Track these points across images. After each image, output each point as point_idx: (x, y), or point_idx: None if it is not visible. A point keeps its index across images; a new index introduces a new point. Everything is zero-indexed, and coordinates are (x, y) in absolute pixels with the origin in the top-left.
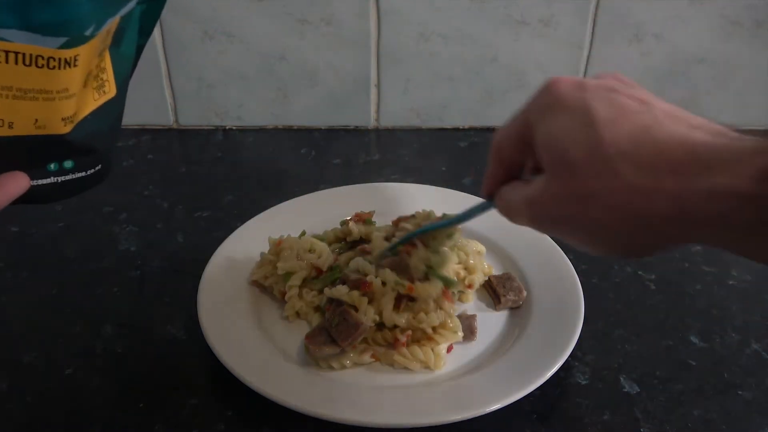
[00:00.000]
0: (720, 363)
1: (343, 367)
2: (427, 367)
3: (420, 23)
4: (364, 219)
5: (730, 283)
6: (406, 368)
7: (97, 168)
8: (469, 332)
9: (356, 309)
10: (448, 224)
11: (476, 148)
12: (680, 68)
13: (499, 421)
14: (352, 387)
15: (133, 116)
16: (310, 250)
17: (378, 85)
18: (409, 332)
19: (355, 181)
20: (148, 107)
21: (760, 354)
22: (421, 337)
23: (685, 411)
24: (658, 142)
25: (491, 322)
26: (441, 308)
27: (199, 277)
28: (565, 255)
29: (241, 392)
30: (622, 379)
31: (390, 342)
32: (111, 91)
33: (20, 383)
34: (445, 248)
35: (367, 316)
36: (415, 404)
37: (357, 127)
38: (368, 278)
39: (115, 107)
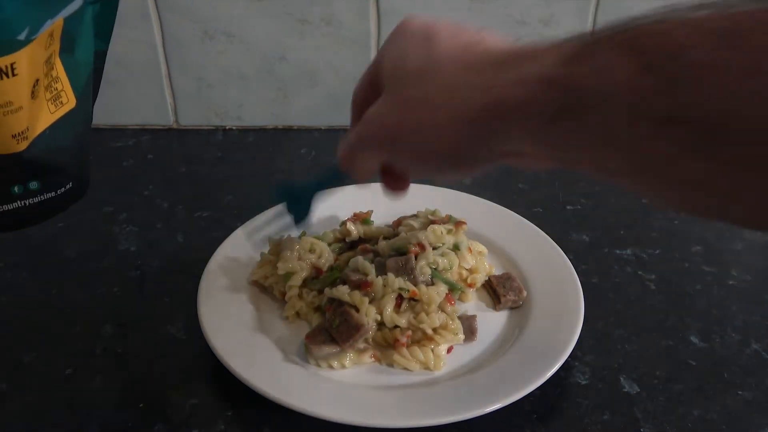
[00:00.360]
0: (720, 363)
1: (343, 366)
2: (426, 368)
3: None
4: (362, 218)
5: (730, 283)
6: (405, 369)
7: (67, 187)
8: (470, 333)
9: (357, 310)
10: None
11: None
12: None
13: (499, 421)
14: (352, 387)
15: (133, 116)
16: (310, 250)
17: None
18: (410, 333)
19: (355, 181)
20: (148, 107)
21: (760, 354)
22: (422, 337)
23: (685, 411)
24: (487, 48)
25: (491, 322)
26: (442, 310)
27: (200, 277)
28: (565, 255)
29: (241, 392)
30: (622, 379)
31: (390, 342)
32: (69, 101)
33: (20, 383)
34: (451, 252)
35: (369, 316)
36: (415, 404)
37: None
38: (369, 278)
39: (77, 119)
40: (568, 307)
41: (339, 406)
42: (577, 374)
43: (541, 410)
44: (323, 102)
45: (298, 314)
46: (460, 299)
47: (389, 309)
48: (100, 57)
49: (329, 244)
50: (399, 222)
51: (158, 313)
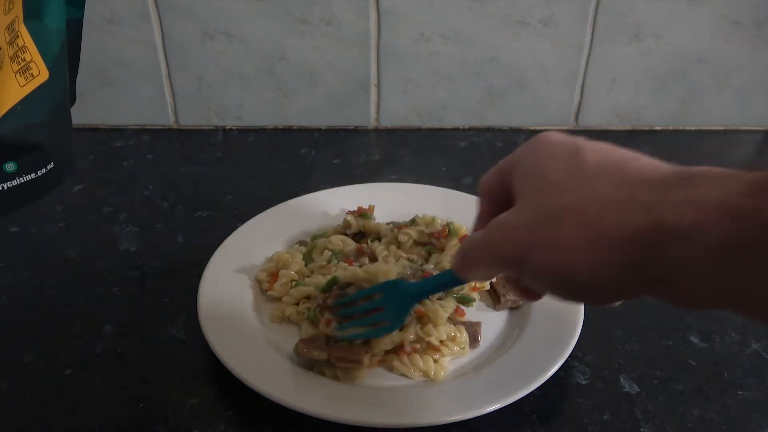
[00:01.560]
0: (720, 363)
1: (335, 378)
2: (426, 376)
3: (420, 23)
4: (361, 213)
5: None
6: (403, 375)
7: (48, 167)
8: (473, 339)
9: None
10: (441, 287)
11: (476, 149)
12: (680, 68)
13: (499, 421)
14: (352, 387)
15: (133, 116)
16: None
17: (378, 85)
18: (417, 345)
19: (355, 181)
20: (148, 107)
21: (760, 354)
22: (426, 347)
23: (685, 411)
24: (643, 166)
25: (491, 322)
26: (451, 320)
27: (199, 277)
28: None
29: (241, 392)
30: (622, 379)
31: (394, 345)
32: (41, 73)
33: (20, 383)
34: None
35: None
36: (415, 404)
37: (357, 127)
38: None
39: (51, 92)
40: (568, 307)
41: (338, 405)
42: (577, 374)
43: (541, 410)
44: (323, 102)
45: (288, 318)
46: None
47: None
48: (74, 26)
49: (328, 237)
50: (397, 231)
51: (158, 313)
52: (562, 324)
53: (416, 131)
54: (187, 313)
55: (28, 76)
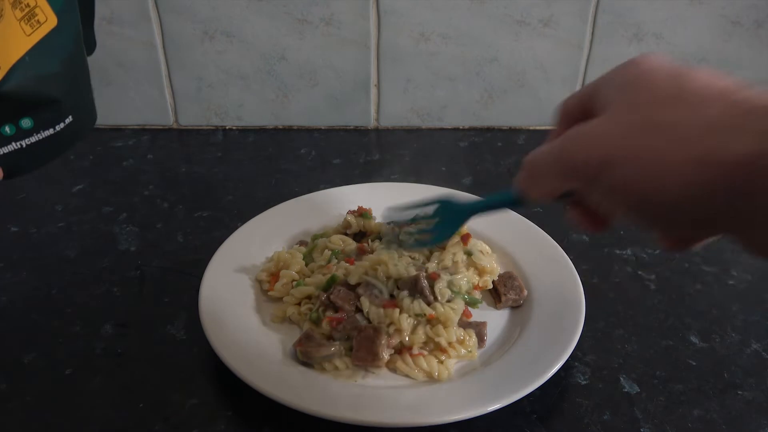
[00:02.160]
0: (720, 363)
1: (336, 368)
2: (430, 377)
3: (420, 23)
4: (361, 213)
5: (730, 283)
6: (406, 376)
7: (67, 121)
8: (480, 340)
9: (375, 332)
10: (464, 215)
11: (476, 148)
12: None
13: (499, 421)
14: (352, 386)
15: (133, 116)
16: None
17: (378, 85)
18: (424, 351)
19: (355, 181)
20: (148, 107)
21: (760, 354)
22: (434, 348)
23: (685, 411)
24: (751, 94)
25: (492, 321)
26: (459, 324)
27: (199, 277)
28: (566, 255)
29: (241, 392)
30: (622, 379)
31: (398, 348)
32: (49, 19)
33: (20, 383)
34: (468, 272)
35: (402, 326)
36: (416, 404)
37: (357, 127)
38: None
39: (62, 40)
40: (569, 307)
41: (339, 404)
42: (577, 374)
43: (541, 410)
44: (323, 102)
45: (290, 319)
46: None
47: (408, 330)
48: None
49: (329, 237)
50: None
51: (158, 313)
52: (563, 324)
53: (416, 131)
54: (187, 313)
55: (34, 23)
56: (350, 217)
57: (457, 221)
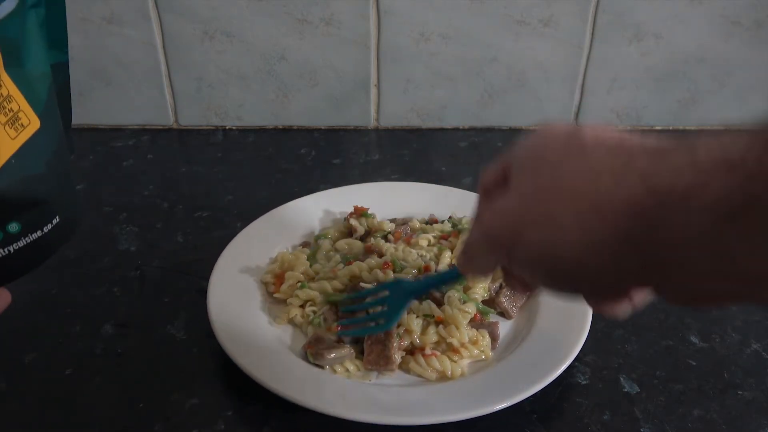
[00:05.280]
0: (720, 363)
1: (347, 371)
2: (443, 376)
3: (420, 23)
4: (361, 212)
5: None
6: (420, 376)
7: (54, 222)
8: (493, 340)
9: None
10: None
11: (476, 148)
12: (680, 68)
13: (499, 421)
14: (355, 385)
15: (133, 116)
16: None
17: (378, 85)
18: (437, 351)
19: (356, 181)
20: (148, 107)
21: (760, 354)
22: (446, 349)
23: (685, 411)
24: (642, 141)
25: (503, 320)
26: (472, 325)
27: (199, 276)
28: None
29: (241, 392)
30: (622, 379)
31: (410, 349)
32: (32, 122)
33: (20, 383)
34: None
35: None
36: (418, 402)
37: (357, 127)
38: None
39: (46, 141)
40: (575, 308)
41: (340, 403)
42: (577, 374)
43: (541, 410)
44: (323, 102)
45: (292, 321)
46: None
47: (418, 331)
48: (61, 69)
49: (334, 242)
50: (408, 239)
51: (158, 313)
52: (568, 326)
53: (416, 131)
54: (187, 312)
55: (18, 126)
56: (353, 221)
57: (403, 303)
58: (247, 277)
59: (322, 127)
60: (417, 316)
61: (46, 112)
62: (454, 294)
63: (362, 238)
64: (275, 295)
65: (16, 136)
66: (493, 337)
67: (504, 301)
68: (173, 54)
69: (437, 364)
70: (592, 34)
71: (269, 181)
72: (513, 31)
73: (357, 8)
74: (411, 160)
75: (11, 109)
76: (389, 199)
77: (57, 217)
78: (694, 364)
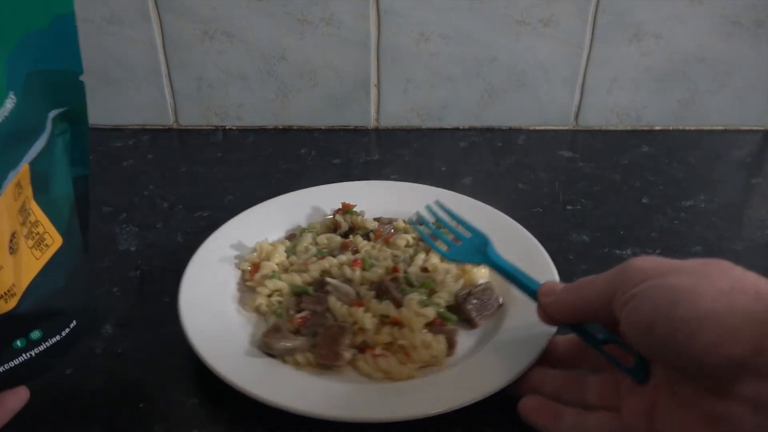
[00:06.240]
0: None
1: (308, 361)
2: (389, 378)
3: (420, 23)
4: (347, 209)
5: None
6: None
7: (71, 326)
8: (450, 347)
9: (340, 330)
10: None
11: (476, 149)
12: (680, 68)
13: (498, 421)
14: (321, 380)
15: (133, 116)
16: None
17: (378, 85)
18: (386, 352)
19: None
20: (148, 107)
21: None
22: (398, 350)
23: None
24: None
25: (467, 331)
26: (431, 330)
27: None
28: (552, 265)
29: (241, 393)
30: None
31: (361, 346)
32: (55, 241)
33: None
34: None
35: (364, 322)
36: (412, 399)
37: (357, 127)
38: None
39: (67, 256)
40: (540, 325)
41: (288, 393)
42: None
43: None
44: (323, 102)
45: (257, 310)
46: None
47: (371, 332)
48: (81, 182)
49: (318, 235)
50: (387, 239)
51: (158, 313)
52: (529, 341)
53: (416, 131)
54: None
55: (43, 247)
56: (339, 217)
57: (475, 258)
58: (227, 265)
59: (322, 127)
60: (372, 315)
61: (68, 229)
62: (414, 296)
63: (346, 235)
64: (247, 283)
65: (41, 257)
66: (450, 344)
67: (470, 308)
68: (173, 54)
69: (384, 365)
70: (592, 34)
71: (269, 181)
72: (513, 31)
73: (357, 8)
74: (411, 160)
75: (38, 232)
76: (386, 198)
77: (74, 321)
78: None
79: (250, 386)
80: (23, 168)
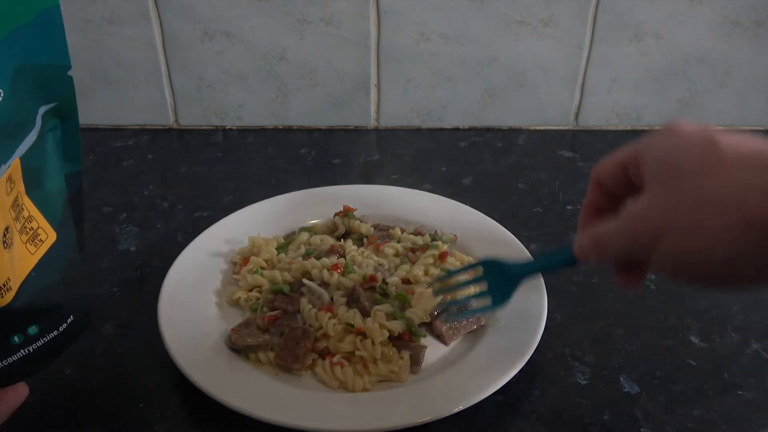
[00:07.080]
0: (720, 363)
1: (269, 360)
2: (344, 388)
3: (420, 23)
4: (346, 213)
5: None
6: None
7: (69, 321)
8: (414, 364)
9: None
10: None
11: (476, 149)
12: (680, 68)
13: (498, 421)
14: (266, 381)
15: (133, 116)
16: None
17: (378, 85)
18: (344, 361)
19: (356, 181)
20: (148, 107)
21: (760, 354)
22: (358, 360)
23: (685, 411)
24: None
25: (439, 349)
26: (397, 345)
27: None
28: (542, 279)
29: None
30: (622, 379)
31: (323, 352)
32: (49, 236)
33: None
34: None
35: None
36: (353, 413)
37: (357, 127)
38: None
39: (61, 251)
40: (515, 347)
41: (245, 394)
42: (577, 374)
43: (541, 410)
44: (323, 102)
45: (237, 303)
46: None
47: (334, 339)
48: (74, 179)
49: (314, 234)
50: (378, 246)
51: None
52: (499, 363)
53: (416, 131)
54: None
55: (38, 242)
56: (337, 219)
57: (515, 284)
58: (218, 258)
59: (322, 127)
60: (338, 323)
61: (62, 224)
62: (383, 308)
63: (342, 237)
64: (233, 275)
65: (36, 252)
66: (415, 361)
67: (441, 325)
68: (173, 54)
69: (340, 374)
70: (592, 34)
71: (269, 181)
72: (513, 31)
73: (357, 8)
74: (411, 160)
75: (32, 227)
76: (398, 206)
77: (71, 316)
78: (694, 364)
79: (197, 377)
80: (14, 163)
